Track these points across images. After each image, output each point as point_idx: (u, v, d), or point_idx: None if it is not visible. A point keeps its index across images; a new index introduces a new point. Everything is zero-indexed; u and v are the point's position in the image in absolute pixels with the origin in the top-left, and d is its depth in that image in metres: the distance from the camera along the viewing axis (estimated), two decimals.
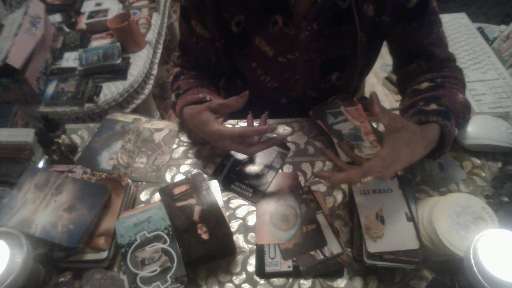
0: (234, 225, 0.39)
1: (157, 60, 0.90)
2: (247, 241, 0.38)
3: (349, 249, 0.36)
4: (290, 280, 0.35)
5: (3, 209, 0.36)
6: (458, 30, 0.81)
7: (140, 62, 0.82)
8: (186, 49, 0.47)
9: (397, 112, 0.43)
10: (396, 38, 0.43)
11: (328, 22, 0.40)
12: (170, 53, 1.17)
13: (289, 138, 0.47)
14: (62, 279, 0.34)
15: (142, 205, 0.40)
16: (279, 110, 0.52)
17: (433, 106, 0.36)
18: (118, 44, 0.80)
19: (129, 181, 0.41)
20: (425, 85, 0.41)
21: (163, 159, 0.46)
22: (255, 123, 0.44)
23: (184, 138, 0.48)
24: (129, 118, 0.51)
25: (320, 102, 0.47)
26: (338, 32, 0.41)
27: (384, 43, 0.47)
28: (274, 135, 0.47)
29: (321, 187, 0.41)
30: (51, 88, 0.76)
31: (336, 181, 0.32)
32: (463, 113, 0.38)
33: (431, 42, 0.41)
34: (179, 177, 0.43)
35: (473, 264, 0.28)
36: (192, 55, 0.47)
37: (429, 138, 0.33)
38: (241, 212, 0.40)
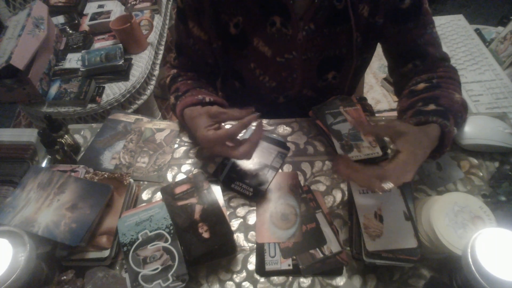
0: (234, 224, 0.39)
1: (158, 61, 0.91)
2: (247, 240, 0.38)
3: (348, 248, 0.37)
4: (290, 278, 0.35)
5: (6, 208, 0.37)
6: (455, 31, 0.82)
7: (142, 63, 0.82)
8: (183, 50, 0.47)
9: (395, 113, 0.44)
10: (391, 38, 0.44)
11: (325, 22, 0.41)
12: None
13: (288, 138, 0.47)
14: (65, 277, 0.34)
15: (144, 204, 0.41)
16: (276, 109, 0.52)
17: (432, 107, 0.36)
18: (120, 45, 0.81)
19: (131, 180, 0.42)
20: (421, 86, 0.41)
21: (164, 158, 0.46)
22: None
23: (185, 138, 0.48)
24: (131, 118, 0.51)
25: (316, 101, 0.48)
26: (334, 32, 0.42)
27: (379, 45, 0.48)
28: (274, 135, 0.48)
29: (321, 187, 0.42)
30: (54, 89, 0.77)
31: (357, 169, 0.30)
32: (460, 112, 0.38)
33: (426, 42, 0.42)
34: (180, 177, 0.44)
35: (471, 263, 0.28)
36: (188, 56, 0.47)
37: (432, 138, 0.34)
38: (241, 211, 0.40)
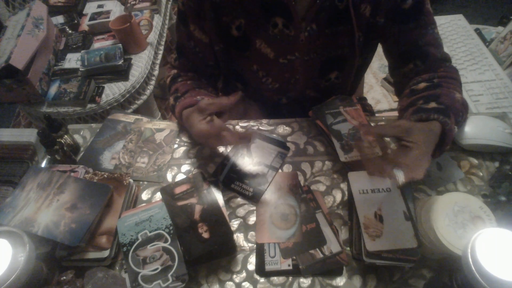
0: (234, 224, 0.39)
1: (158, 61, 0.91)
2: (247, 240, 0.38)
3: (348, 248, 0.37)
4: (290, 278, 0.35)
5: (6, 208, 0.37)
6: (455, 31, 0.82)
7: (142, 63, 0.82)
8: (184, 52, 0.47)
9: (395, 113, 0.44)
10: (392, 38, 0.44)
11: (327, 23, 0.41)
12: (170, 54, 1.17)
13: (288, 138, 0.47)
14: (64, 277, 0.34)
15: (144, 204, 0.41)
16: (279, 110, 0.52)
17: (432, 105, 0.36)
18: (120, 45, 0.81)
19: (131, 180, 0.42)
20: (422, 85, 0.41)
21: (164, 159, 0.46)
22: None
23: (185, 138, 0.48)
24: (131, 118, 0.51)
25: (319, 101, 0.48)
26: (336, 32, 0.42)
27: (379, 45, 0.48)
28: (274, 135, 0.47)
29: (321, 187, 0.42)
30: (53, 89, 0.77)
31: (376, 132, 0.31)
32: (461, 111, 0.38)
33: (427, 42, 0.42)
34: (180, 177, 0.44)
35: (471, 263, 0.28)
36: (189, 58, 0.48)
37: (435, 133, 0.34)
38: (241, 211, 0.40)
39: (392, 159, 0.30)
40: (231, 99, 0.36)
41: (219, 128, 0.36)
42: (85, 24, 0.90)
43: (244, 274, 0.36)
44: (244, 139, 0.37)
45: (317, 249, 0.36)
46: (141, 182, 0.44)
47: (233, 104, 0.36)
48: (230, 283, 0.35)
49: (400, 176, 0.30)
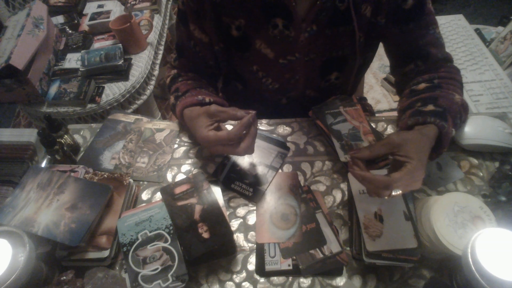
0: (234, 224, 0.39)
1: (158, 61, 0.91)
2: (247, 240, 0.38)
3: (348, 248, 0.37)
4: (290, 278, 0.35)
5: (6, 208, 0.37)
6: (455, 31, 0.82)
7: (142, 63, 0.82)
8: (184, 51, 0.47)
9: (395, 113, 0.44)
10: (393, 38, 0.44)
11: (327, 23, 0.41)
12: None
13: (288, 138, 0.47)
14: (64, 277, 0.34)
15: (144, 204, 0.41)
16: (279, 110, 0.52)
17: (430, 107, 0.36)
18: (120, 45, 0.81)
19: (131, 180, 0.42)
20: (422, 85, 0.41)
21: (164, 159, 0.46)
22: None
23: (185, 138, 0.48)
24: (131, 118, 0.51)
25: (319, 101, 0.48)
26: (337, 32, 0.42)
27: (381, 44, 0.48)
28: (274, 135, 0.47)
29: (321, 187, 0.42)
30: (53, 89, 0.77)
31: (366, 177, 0.31)
32: (460, 113, 0.38)
33: (428, 42, 0.42)
34: (180, 177, 0.44)
35: (471, 263, 0.28)
36: (189, 58, 0.47)
37: (430, 139, 0.34)
38: (241, 211, 0.40)
39: (388, 180, 0.30)
40: (243, 113, 0.36)
41: (226, 139, 0.36)
42: (85, 24, 0.90)
43: (244, 274, 0.36)
44: (248, 150, 0.37)
45: (317, 249, 0.36)
46: (141, 182, 0.44)
47: (244, 123, 0.35)
48: (230, 283, 0.35)
49: (398, 190, 0.31)
